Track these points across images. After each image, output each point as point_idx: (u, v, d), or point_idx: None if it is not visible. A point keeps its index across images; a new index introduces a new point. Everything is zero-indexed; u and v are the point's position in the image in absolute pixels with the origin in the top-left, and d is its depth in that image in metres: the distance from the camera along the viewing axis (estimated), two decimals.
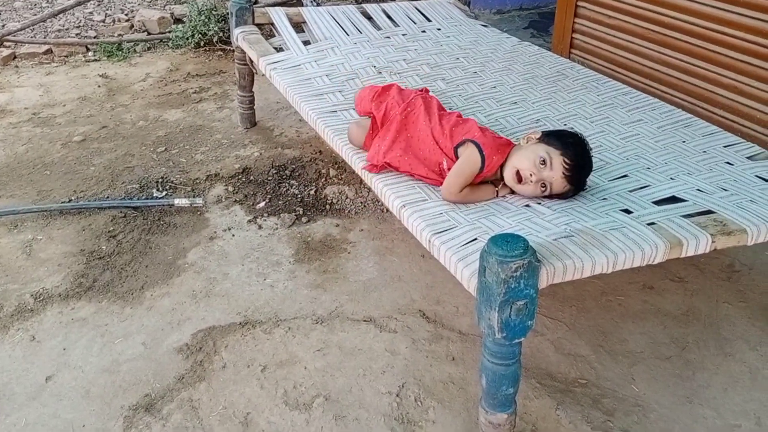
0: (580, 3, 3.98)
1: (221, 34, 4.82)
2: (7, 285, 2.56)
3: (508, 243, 1.49)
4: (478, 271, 1.56)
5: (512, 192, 2.03)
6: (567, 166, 1.93)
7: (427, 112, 2.22)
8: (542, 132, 2.06)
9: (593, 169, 2.03)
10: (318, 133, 2.59)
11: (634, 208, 1.92)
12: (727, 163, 2.20)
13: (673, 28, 3.46)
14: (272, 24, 3.44)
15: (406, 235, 1.99)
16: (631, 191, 2.04)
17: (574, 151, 1.95)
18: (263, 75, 3.15)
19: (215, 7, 4.92)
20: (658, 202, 1.97)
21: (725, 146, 2.30)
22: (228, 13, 4.80)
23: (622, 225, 1.80)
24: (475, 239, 1.76)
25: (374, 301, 2.44)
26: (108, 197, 3.11)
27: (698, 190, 2.02)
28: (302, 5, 5.56)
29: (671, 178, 2.10)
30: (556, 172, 1.93)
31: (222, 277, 2.59)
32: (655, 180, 2.10)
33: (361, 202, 3.04)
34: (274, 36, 3.40)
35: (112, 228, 2.88)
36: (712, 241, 1.75)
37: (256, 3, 5.07)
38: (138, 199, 3.08)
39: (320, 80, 2.86)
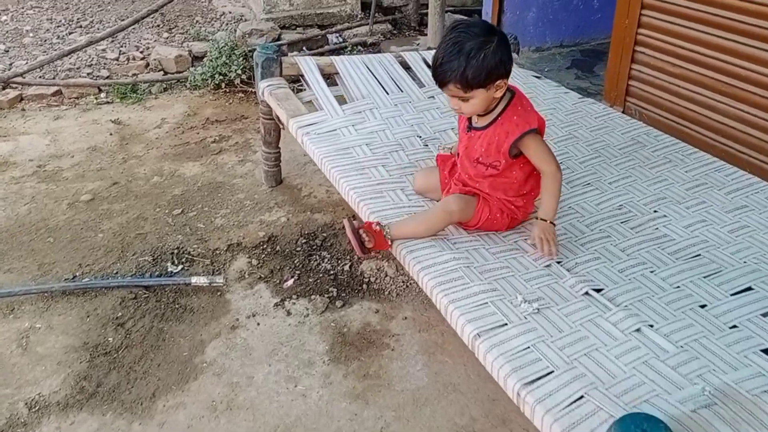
0: (638, 48, 3.60)
1: (243, 75, 4.49)
2: None
3: None
4: None
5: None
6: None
7: None
8: None
9: None
10: (360, 216, 2.22)
11: None
12: None
13: (748, 81, 3.07)
14: (301, 75, 3.09)
15: None
16: (765, 315, 1.63)
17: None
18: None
19: (236, 45, 4.59)
20: None
21: None
22: (249, 51, 4.46)
23: None
24: (582, 397, 1.38)
25: (426, 420, 2.06)
26: (117, 273, 2.75)
27: None
28: (327, 43, 5.24)
29: None
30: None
31: (246, 382, 2.22)
32: None
33: (403, 281, 2.67)
34: (303, 88, 3.06)
35: (120, 313, 2.52)
36: None
37: (280, 47, 4.74)
38: (151, 276, 2.73)
39: (360, 150, 2.49)
